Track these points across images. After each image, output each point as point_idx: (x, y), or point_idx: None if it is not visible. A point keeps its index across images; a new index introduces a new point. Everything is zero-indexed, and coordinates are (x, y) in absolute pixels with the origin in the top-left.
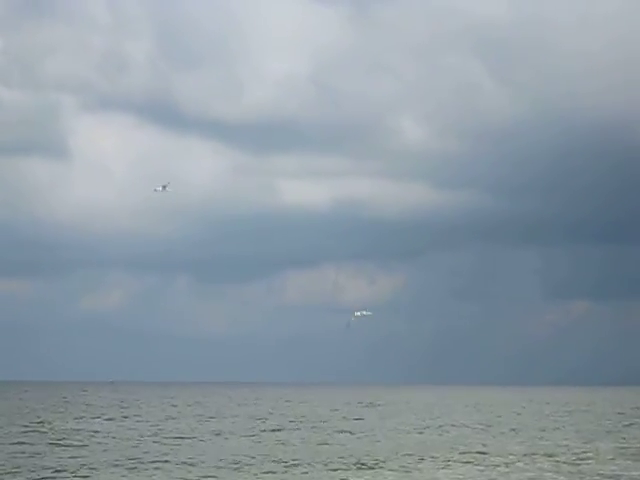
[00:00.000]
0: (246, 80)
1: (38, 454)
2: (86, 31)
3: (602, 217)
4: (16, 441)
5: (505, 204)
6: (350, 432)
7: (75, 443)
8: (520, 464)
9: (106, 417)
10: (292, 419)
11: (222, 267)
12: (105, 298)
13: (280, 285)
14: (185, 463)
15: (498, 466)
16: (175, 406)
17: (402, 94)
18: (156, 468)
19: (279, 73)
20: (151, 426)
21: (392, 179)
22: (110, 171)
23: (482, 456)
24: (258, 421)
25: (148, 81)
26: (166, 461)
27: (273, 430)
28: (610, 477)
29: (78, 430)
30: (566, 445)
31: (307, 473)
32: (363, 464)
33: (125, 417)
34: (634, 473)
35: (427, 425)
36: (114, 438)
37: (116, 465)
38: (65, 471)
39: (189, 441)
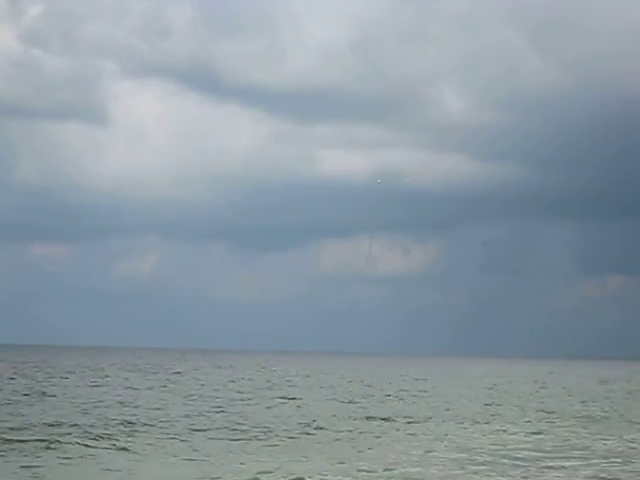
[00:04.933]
0: (287, 47)
1: None
2: None
3: (634, 189)
4: None
5: (540, 176)
6: None
7: None
8: None
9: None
10: None
11: (258, 235)
12: (141, 264)
13: (315, 254)
14: None
15: None
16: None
17: (442, 64)
18: None
19: (320, 40)
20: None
21: (430, 150)
22: (149, 138)
23: None
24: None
25: (189, 47)
26: None
27: None
28: None
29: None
30: None
31: None
32: None
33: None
34: None
35: None
36: None
37: None
38: None
39: None
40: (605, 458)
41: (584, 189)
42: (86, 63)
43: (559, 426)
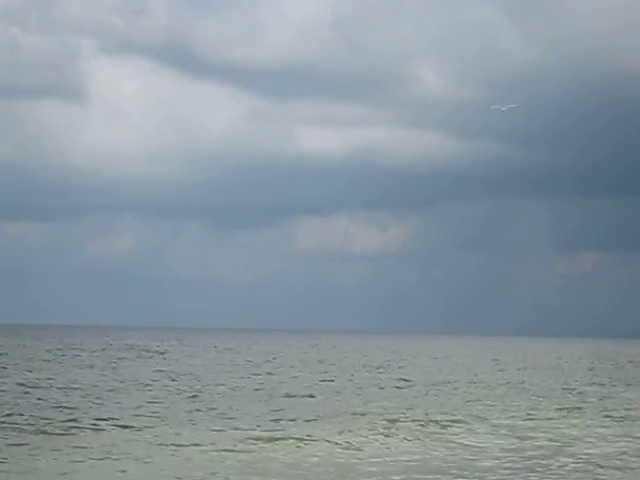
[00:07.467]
0: (266, 24)
1: None
2: None
3: (613, 167)
4: None
5: (518, 154)
6: None
7: None
8: None
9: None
10: None
11: (236, 213)
12: (117, 243)
13: (292, 232)
14: None
15: None
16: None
17: (421, 41)
18: None
19: (299, 17)
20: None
21: (408, 127)
22: (126, 115)
23: None
24: None
25: (167, 25)
26: None
27: None
28: None
29: None
30: None
31: None
32: None
33: None
34: None
35: None
36: None
37: None
38: None
39: None
40: None
41: (567, 166)
42: (64, 41)
43: None
